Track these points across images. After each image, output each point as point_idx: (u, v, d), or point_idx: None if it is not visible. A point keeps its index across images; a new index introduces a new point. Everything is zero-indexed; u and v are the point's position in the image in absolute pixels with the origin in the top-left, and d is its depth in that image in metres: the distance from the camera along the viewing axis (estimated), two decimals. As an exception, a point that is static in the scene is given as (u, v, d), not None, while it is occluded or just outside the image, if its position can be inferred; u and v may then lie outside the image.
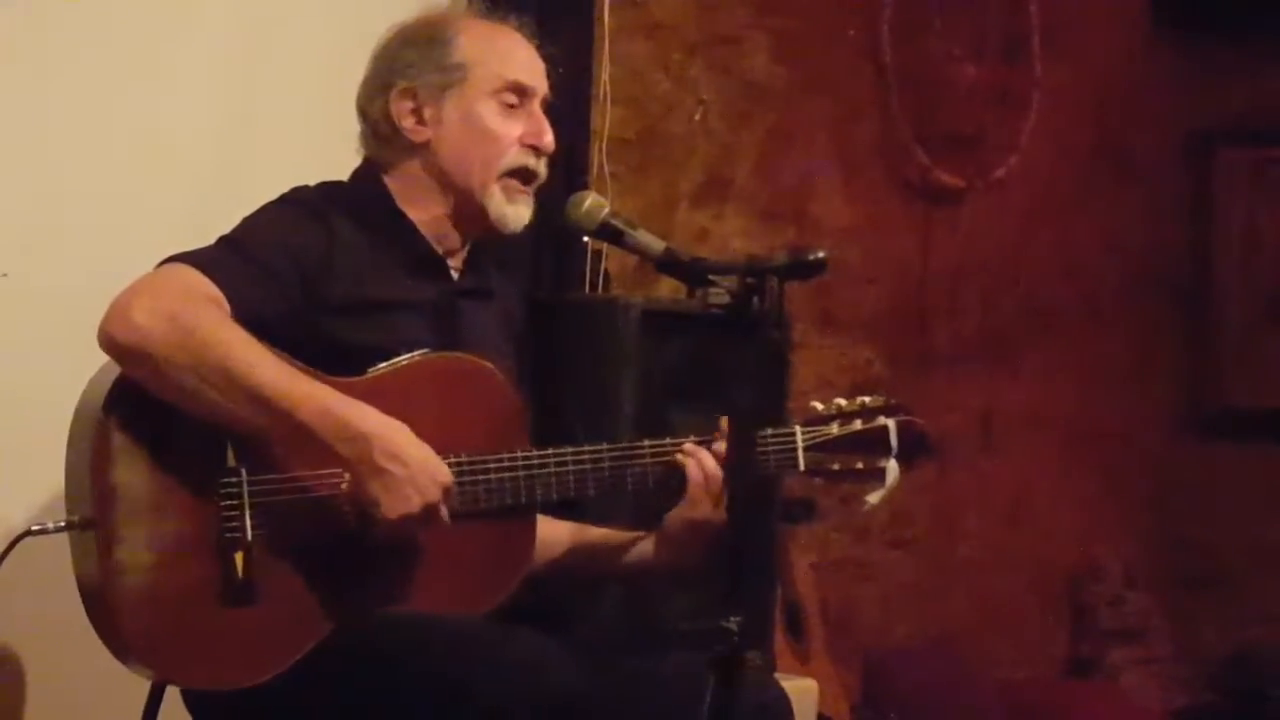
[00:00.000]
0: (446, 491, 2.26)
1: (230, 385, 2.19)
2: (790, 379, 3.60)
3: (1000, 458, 4.90)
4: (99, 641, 2.29)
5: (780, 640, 3.87)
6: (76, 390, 2.36)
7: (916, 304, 4.75)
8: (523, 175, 2.48)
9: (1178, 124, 5.26)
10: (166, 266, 2.28)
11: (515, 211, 2.48)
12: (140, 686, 2.43)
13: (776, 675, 3.02)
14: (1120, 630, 5.07)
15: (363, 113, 2.52)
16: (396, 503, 2.23)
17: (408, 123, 2.47)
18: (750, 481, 2.22)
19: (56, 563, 2.34)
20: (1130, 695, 4.95)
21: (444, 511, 2.26)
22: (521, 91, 2.48)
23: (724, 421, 2.40)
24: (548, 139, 2.49)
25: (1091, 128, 5.10)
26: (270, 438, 2.23)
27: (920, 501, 4.74)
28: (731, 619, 1.99)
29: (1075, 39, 4.98)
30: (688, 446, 2.41)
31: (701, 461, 2.40)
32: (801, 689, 3.49)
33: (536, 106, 2.49)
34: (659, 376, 3.31)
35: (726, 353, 3.11)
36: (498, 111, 2.46)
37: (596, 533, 2.59)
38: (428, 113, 2.46)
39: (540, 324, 2.97)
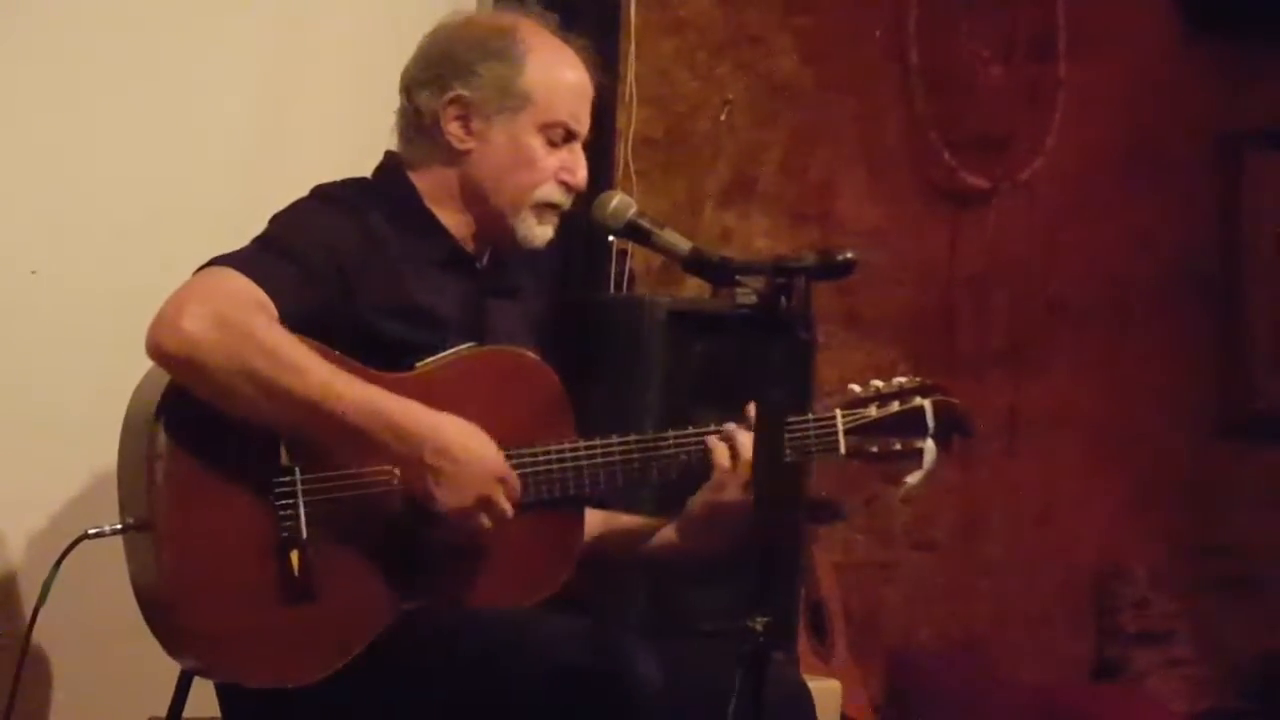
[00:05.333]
0: (502, 483, 2.27)
1: (281, 390, 2.19)
2: (815, 380, 3.59)
3: (1026, 460, 4.88)
4: (149, 641, 2.30)
5: (804, 641, 3.86)
6: (105, 386, 2.37)
7: (943, 305, 4.74)
8: (551, 205, 2.50)
9: (1208, 125, 5.22)
10: (210, 270, 2.27)
11: (542, 231, 2.50)
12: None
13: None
14: (1145, 633, 5.04)
15: (407, 93, 2.51)
16: (450, 498, 2.25)
17: (453, 128, 2.47)
18: (777, 480, 2.22)
19: (112, 565, 2.35)
20: (1155, 698, 4.93)
21: (503, 504, 2.28)
22: (569, 133, 2.49)
23: (750, 409, 2.39)
24: (581, 177, 2.50)
25: (1120, 128, 5.07)
26: (321, 439, 2.24)
27: (945, 503, 4.72)
28: (758, 619, 1.99)
29: (1103, 39, 4.96)
30: (727, 427, 2.41)
31: (735, 443, 2.40)
32: (825, 689, 3.49)
33: (578, 146, 2.50)
34: (684, 376, 3.31)
35: (752, 353, 3.10)
36: (543, 145, 2.47)
37: (625, 519, 2.59)
38: (475, 125, 2.46)
39: (566, 323, 2.98)
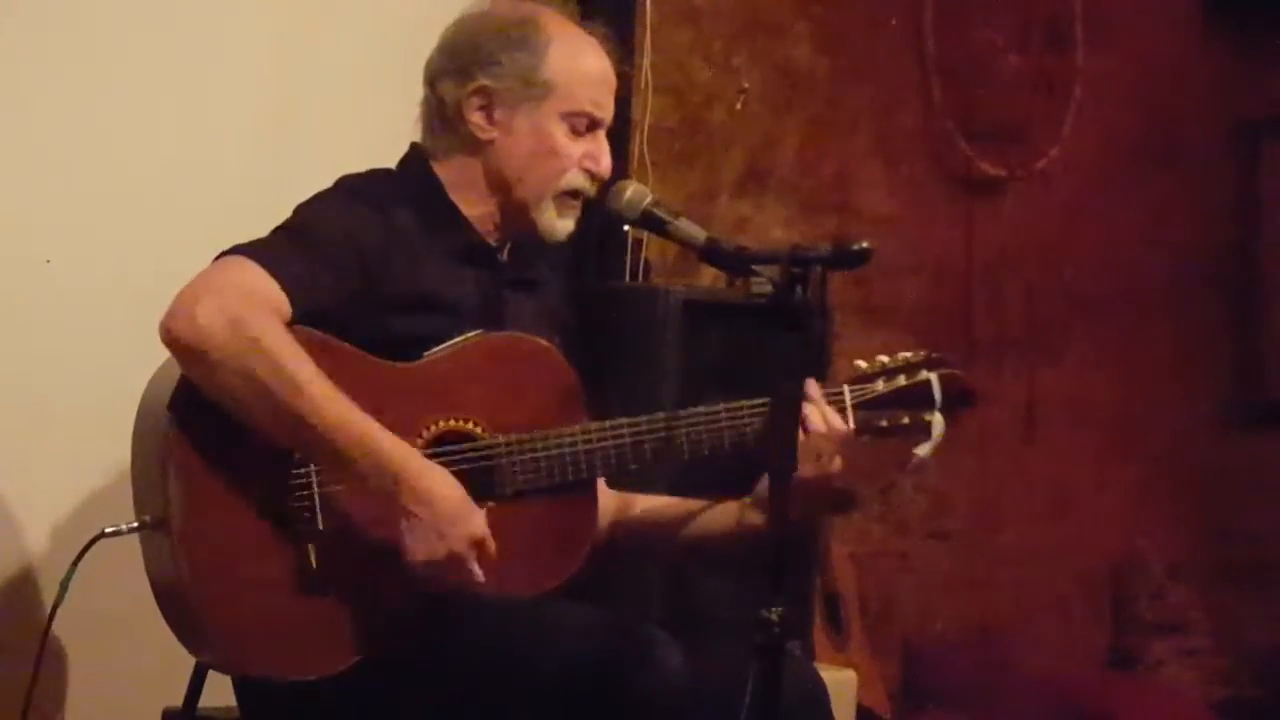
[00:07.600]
0: (476, 544, 2.24)
1: (275, 402, 2.18)
2: (830, 369, 3.59)
3: (1042, 449, 4.88)
4: (165, 634, 2.31)
5: (820, 631, 3.86)
6: (121, 378, 2.37)
7: (958, 295, 4.73)
8: (574, 194, 2.49)
9: (1225, 114, 5.21)
10: (230, 261, 2.26)
11: (564, 224, 2.49)
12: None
13: (815, 666, 3.01)
14: (1161, 623, 5.04)
15: (431, 85, 2.50)
16: (418, 546, 2.22)
17: (476, 118, 2.46)
18: (791, 470, 2.21)
19: (130, 561, 2.35)
20: (1172, 688, 4.92)
21: (474, 568, 2.24)
22: (593, 121, 2.48)
23: (810, 386, 2.38)
24: (605, 164, 2.49)
25: (1136, 118, 5.06)
26: (305, 455, 2.23)
27: (961, 492, 4.72)
28: (772, 610, 1.98)
29: (1120, 28, 4.95)
30: (813, 394, 2.38)
31: (825, 412, 2.38)
32: (840, 680, 3.49)
33: (601, 133, 2.50)
34: (699, 366, 3.31)
35: (767, 342, 3.10)
36: (566, 133, 2.46)
37: (655, 501, 2.58)
38: (498, 114, 2.46)
39: (581, 313, 2.97)
